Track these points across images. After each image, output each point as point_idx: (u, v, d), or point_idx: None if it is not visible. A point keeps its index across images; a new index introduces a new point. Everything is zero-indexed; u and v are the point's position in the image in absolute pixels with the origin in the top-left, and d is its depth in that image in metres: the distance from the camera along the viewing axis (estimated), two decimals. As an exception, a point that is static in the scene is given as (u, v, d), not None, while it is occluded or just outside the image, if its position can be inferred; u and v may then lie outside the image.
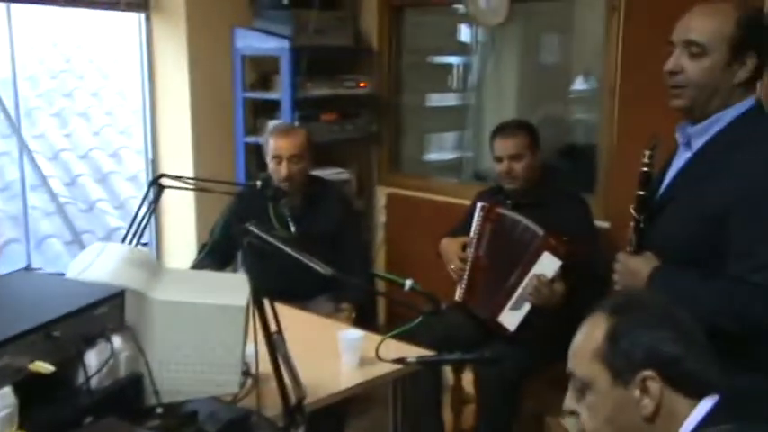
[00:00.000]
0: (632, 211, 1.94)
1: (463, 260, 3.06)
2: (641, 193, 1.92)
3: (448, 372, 3.23)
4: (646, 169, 1.91)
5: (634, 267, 1.91)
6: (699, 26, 1.80)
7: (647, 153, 1.91)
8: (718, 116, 1.83)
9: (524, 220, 2.89)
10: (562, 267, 2.74)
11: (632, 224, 1.94)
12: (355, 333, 2.34)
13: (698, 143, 1.88)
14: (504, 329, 2.89)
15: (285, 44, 3.73)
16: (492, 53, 4.13)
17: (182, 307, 1.70)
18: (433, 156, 4.69)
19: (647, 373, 1.25)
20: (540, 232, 2.82)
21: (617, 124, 3.32)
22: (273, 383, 1.73)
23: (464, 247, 3.08)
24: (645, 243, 1.93)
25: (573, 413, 1.35)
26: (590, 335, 1.32)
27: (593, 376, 1.30)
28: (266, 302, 1.71)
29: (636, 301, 1.37)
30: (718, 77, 1.80)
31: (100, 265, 1.71)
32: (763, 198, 1.71)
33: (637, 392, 1.26)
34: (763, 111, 1.86)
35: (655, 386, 1.25)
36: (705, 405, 1.26)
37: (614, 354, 1.28)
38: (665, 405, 1.25)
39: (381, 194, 4.33)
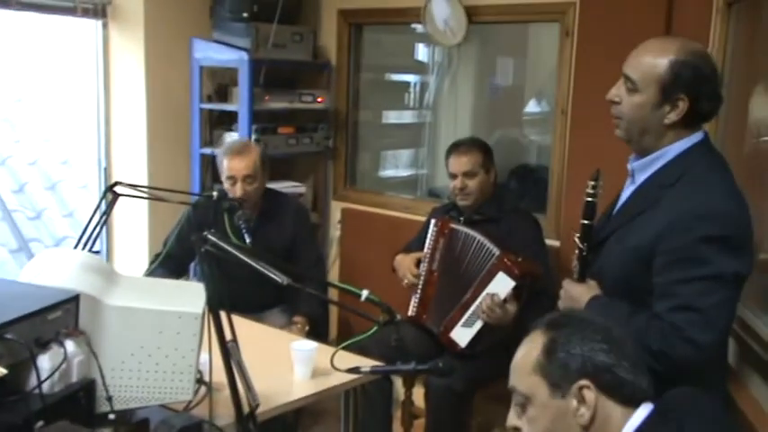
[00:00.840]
0: (576, 239, 1.96)
1: (416, 275, 3.10)
2: (585, 222, 1.95)
3: (399, 386, 3.25)
4: (590, 199, 1.93)
5: (575, 294, 1.95)
6: (635, 63, 1.83)
7: (591, 183, 1.93)
8: (660, 153, 1.85)
9: (479, 237, 2.94)
10: (516, 290, 2.78)
11: (576, 252, 1.98)
12: (308, 344, 2.35)
13: (641, 177, 1.91)
14: (456, 345, 2.93)
15: (244, 56, 3.74)
16: (449, 73, 4.20)
17: (136, 313, 1.70)
18: (388, 172, 4.73)
19: (583, 382, 1.32)
20: (497, 251, 2.86)
21: (568, 146, 3.41)
22: (227, 392, 1.73)
23: (418, 263, 3.13)
24: (589, 271, 1.97)
25: (516, 429, 1.40)
26: (528, 350, 1.39)
27: (533, 389, 1.36)
28: (222, 311, 1.71)
29: (571, 317, 1.44)
30: (647, 116, 1.82)
31: (55, 269, 1.70)
32: (686, 237, 1.72)
33: (574, 402, 1.32)
34: (709, 146, 1.87)
35: (590, 395, 1.31)
36: (641, 413, 1.32)
37: (551, 366, 1.35)
38: (601, 413, 1.32)
39: (336, 209, 4.35)
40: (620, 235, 1.90)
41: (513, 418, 1.41)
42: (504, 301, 2.77)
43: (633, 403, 1.33)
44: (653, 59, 1.80)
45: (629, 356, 1.35)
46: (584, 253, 1.95)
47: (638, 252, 1.81)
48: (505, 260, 2.81)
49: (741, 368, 2.27)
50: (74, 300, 1.59)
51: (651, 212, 1.82)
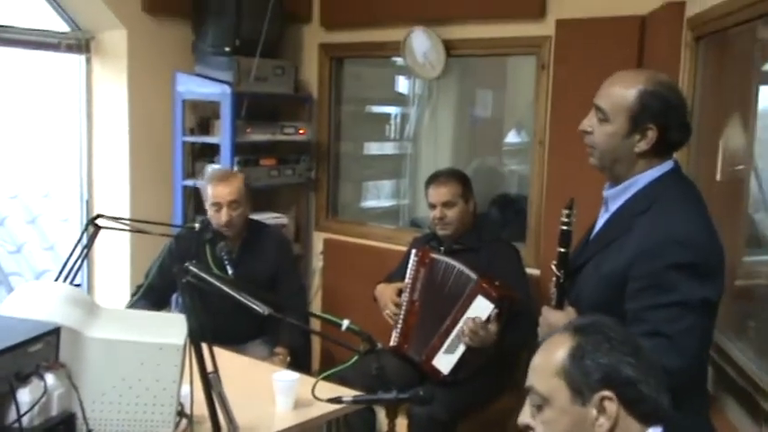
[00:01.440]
0: (553, 267, 1.99)
1: (398, 305, 3.12)
2: (561, 250, 1.97)
3: (382, 417, 3.25)
4: (565, 228, 1.95)
5: (553, 320, 1.95)
6: (606, 94, 1.87)
7: (565, 212, 1.96)
8: (632, 181, 1.89)
9: (458, 265, 2.98)
10: (496, 312, 2.81)
11: (554, 279, 2.00)
12: (290, 375, 2.35)
13: (614, 205, 1.94)
14: (438, 372, 2.94)
15: (226, 90, 3.78)
16: (429, 105, 4.27)
17: (117, 345, 1.70)
18: (370, 202, 4.77)
19: (606, 393, 1.31)
20: (474, 276, 2.90)
21: (546, 176, 3.47)
22: (208, 424, 1.73)
23: (399, 293, 3.15)
24: (567, 298, 1.99)
25: (528, 428, 1.39)
26: (553, 351, 1.37)
27: (553, 392, 1.34)
28: (203, 342, 1.72)
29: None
30: (618, 145, 1.85)
31: (35, 302, 1.70)
32: (656, 263, 1.75)
33: (594, 411, 1.31)
34: (680, 175, 1.91)
35: (612, 407, 1.30)
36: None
37: (576, 371, 1.33)
38: (619, 427, 1.31)
39: (319, 240, 4.37)
40: (596, 262, 1.92)
41: (526, 417, 1.39)
42: (487, 321, 2.80)
43: (650, 421, 1.32)
44: (622, 90, 1.84)
45: (654, 373, 1.34)
46: (562, 280, 1.97)
47: (612, 278, 1.84)
48: (483, 284, 2.85)
49: (718, 394, 2.30)
50: (54, 332, 1.59)
51: (624, 239, 1.85)
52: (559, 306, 1.98)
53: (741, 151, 2.51)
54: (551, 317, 1.97)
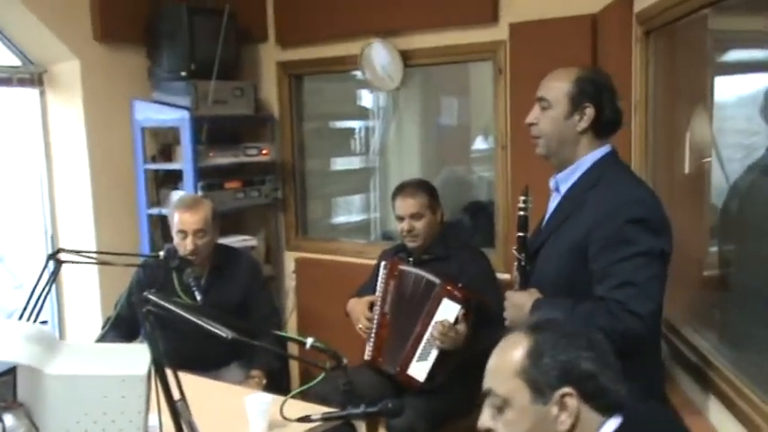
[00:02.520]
0: (514, 251, 2.17)
1: (370, 319, 3.10)
2: (520, 234, 2.15)
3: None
4: (522, 213, 2.15)
5: (518, 301, 2.10)
6: (547, 85, 2.12)
7: (522, 198, 2.16)
8: (578, 163, 2.09)
9: (424, 274, 2.98)
10: (463, 312, 2.83)
11: (515, 264, 2.17)
12: (263, 397, 2.32)
13: (564, 187, 2.13)
14: (415, 381, 2.93)
15: (185, 115, 3.75)
16: (394, 117, 4.27)
17: (78, 380, 1.66)
18: (340, 218, 4.75)
19: (566, 389, 1.30)
20: (437, 281, 2.92)
21: (510, 180, 3.47)
22: (179, 453, 1.69)
23: (371, 306, 3.13)
24: (529, 281, 2.13)
25: (490, 431, 1.37)
26: (510, 352, 1.36)
27: (513, 393, 1.33)
28: (168, 370, 1.69)
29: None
30: (561, 126, 2.08)
31: (-9, 342, 1.66)
32: (614, 222, 1.93)
33: (555, 409, 1.31)
34: (617, 157, 2.13)
35: (572, 403, 1.30)
36: (611, 424, 1.32)
37: (535, 371, 1.32)
38: (581, 421, 1.31)
39: (290, 259, 4.34)
40: (553, 240, 2.10)
41: (486, 420, 1.38)
42: (455, 322, 2.82)
43: (610, 412, 1.32)
44: (560, 80, 2.09)
45: (611, 365, 1.34)
46: (523, 263, 2.14)
47: (573, 249, 2.00)
48: (447, 287, 2.88)
49: (673, 369, 2.34)
50: (10, 372, 1.55)
51: (578, 213, 2.03)
52: (523, 288, 2.13)
53: (704, 143, 2.53)
54: (516, 298, 2.11)
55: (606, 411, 1.32)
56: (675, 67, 2.65)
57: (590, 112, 2.05)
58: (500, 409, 1.35)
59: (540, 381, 1.32)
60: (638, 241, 1.91)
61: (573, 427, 1.30)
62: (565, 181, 2.12)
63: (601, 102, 2.06)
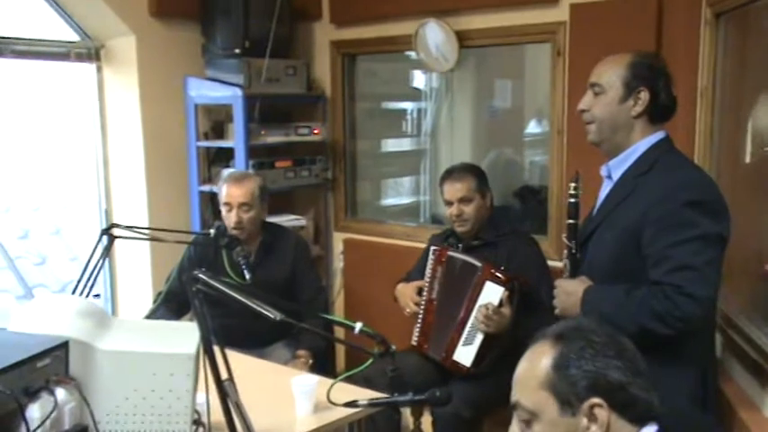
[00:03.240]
0: (564, 239, 2.15)
1: (417, 304, 3.07)
2: (571, 221, 2.13)
3: (408, 416, 3.21)
4: (573, 200, 2.13)
5: (569, 288, 2.07)
6: (600, 71, 2.09)
7: (572, 185, 2.15)
8: (632, 149, 2.06)
9: (466, 258, 2.94)
10: (506, 294, 2.79)
11: (565, 252, 2.15)
12: (309, 379, 2.31)
13: (617, 174, 2.09)
14: (461, 367, 2.89)
15: (238, 92, 3.75)
16: (446, 98, 4.21)
17: (129, 357, 1.68)
18: (389, 200, 4.72)
19: (595, 400, 1.26)
20: (479, 264, 2.88)
21: (566, 166, 3.39)
22: (226, 432, 1.69)
23: (419, 291, 3.10)
24: (579, 268, 2.10)
25: None
26: (535, 363, 1.32)
27: (540, 406, 1.29)
28: (217, 349, 1.68)
29: (579, 328, 1.36)
30: (615, 111, 2.05)
31: (44, 316, 1.68)
32: (670, 205, 1.90)
33: (585, 421, 1.26)
34: (671, 143, 2.09)
35: (602, 414, 1.25)
36: (649, 429, 1.27)
37: (562, 382, 1.28)
38: (612, 431, 1.26)
39: (338, 240, 4.33)
40: (605, 226, 2.07)
41: None
42: (500, 305, 2.78)
43: (643, 421, 1.28)
44: (613, 65, 2.06)
45: (642, 373, 1.29)
46: (574, 251, 2.12)
47: (627, 233, 1.97)
48: (490, 270, 2.84)
49: (729, 362, 2.28)
50: (63, 346, 1.57)
51: (632, 198, 2.00)
52: (573, 275, 2.11)
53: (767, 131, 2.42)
54: (567, 286, 2.10)
55: (639, 421, 1.28)
56: (745, 53, 2.53)
57: (645, 96, 2.02)
58: (528, 422, 1.31)
59: (567, 392, 1.27)
60: (696, 224, 1.87)
61: None
62: (617, 168, 2.09)
63: (656, 86, 2.02)
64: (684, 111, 2.13)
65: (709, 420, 1.81)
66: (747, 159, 2.60)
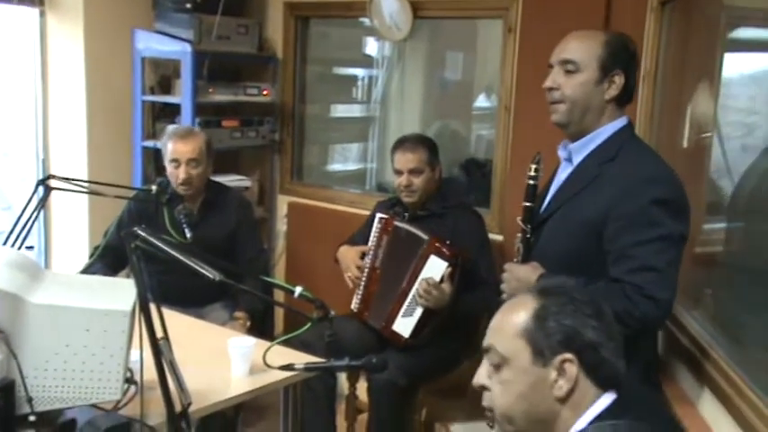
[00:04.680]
0: (519, 222, 2.05)
1: (360, 269, 3.09)
2: (528, 204, 2.04)
3: (343, 381, 3.25)
4: (531, 182, 2.03)
5: (521, 275, 1.98)
6: (573, 47, 1.96)
7: (533, 167, 2.04)
8: (596, 133, 1.97)
9: (412, 229, 2.96)
10: (449, 270, 2.81)
11: (519, 235, 2.05)
12: (246, 340, 2.32)
13: (579, 157, 2.00)
14: (400, 337, 2.93)
15: (187, 48, 3.68)
16: (397, 67, 4.20)
17: (61, 311, 1.65)
18: (336, 166, 4.71)
19: (567, 355, 1.29)
20: (425, 237, 2.89)
21: (511, 141, 3.43)
22: (159, 391, 1.69)
23: (362, 256, 3.12)
24: (531, 253, 2.03)
25: (483, 388, 1.37)
26: (516, 312, 1.35)
27: (514, 353, 1.32)
28: (153, 307, 1.67)
29: (564, 286, 1.40)
30: (589, 93, 1.94)
31: (-27, 266, 1.64)
32: (637, 201, 1.83)
33: (554, 374, 1.30)
34: (633, 129, 2.02)
35: (572, 370, 1.29)
36: (606, 399, 1.31)
37: (538, 333, 1.31)
38: (578, 389, 1.30)
39: (283, 203, 4.31)
40: (564, 212, 1.98)
41: (483, 377, 1.37)
42: (441, 281, 2.80)
43: (606, 386, 1.31)
44: (589, 42, 1.95)
45: (615, 339, 1.32)
46: (528, 235, 2.03)
47: (589, 226, 1.89)
48: (436, 243, 2.85)
49: (670, 361, 2.33)
50: (-8, 298, 1.54)
51: (594, 187, 1.92)
52: (526, 260, 2.03)
53: (707, 118, 2.49)
54: (519, 271, 2.00)
55: (603, 385, 1.31)
56: (687, 41, 2.59)
57: (619, 80, 1.93)
58: (498, 366, 1.34)
59: (542, 343, 1.30)
60: (660, 223, 1.81)
61: (568, 394, 1.29)
62: (580, 151, 2.00)
63: (630, 69, 1.95)
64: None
65: (660, 396, 1.87)
66: (685, 145, 2.67)
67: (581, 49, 1.94)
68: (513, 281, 2.00)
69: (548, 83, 1.98)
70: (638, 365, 1.89)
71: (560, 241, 1.97)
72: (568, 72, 1.94)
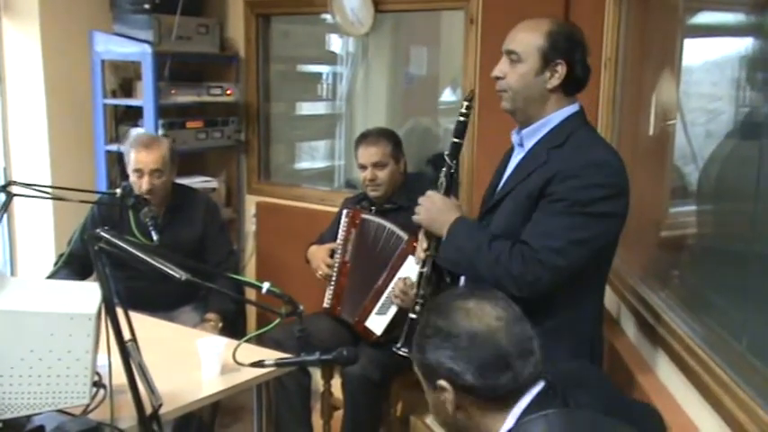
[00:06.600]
0: (446, 156, 2.11)
1: (330, 266, 3.08)
2: (456, 140, 2.11)
3: (318, 378, 3.24)
4: (462, 119, 2.10)
5: (443, 206, 2.07)
6: (517, 38, 2.01)
7: (465, 104, 2.09)
8: (545, 120, 2.02)
9: (389, 225, 2.95)
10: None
11: (444, 169, 2.12)
12: (216, 340, 2.30)
13: (530, 143, 2.06)
14: (371, 334, 2.93)
15: (147, 49, 3.63)
16: (362, 63, 4.19)
17: (24, 317, 1.62)
18: (304, 164, 4.69)
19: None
20: (405, 236, 2.88)
21: (476, 133, 3.44)
22: (129, 394, 1.67)
23: (332, 254, 3.11)
24: (454, 192, 2.13)
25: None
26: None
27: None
28: (119, 310, 1.65)
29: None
30: (531, 83, 1.99)
31: (-68, 274, 1.61)
32: (570, 182, 1.89)
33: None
34: (584, 116, 2.07)
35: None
36: (534, 390, 1.33)
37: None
38: (493, 401, 1.34)
39: (251, 203, 4.28)
40: (514, 195, 2.03)
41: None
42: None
43: (529, 383, 1.33)
44: (532, 33, 1.99)
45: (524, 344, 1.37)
46: (452, 171, 2.11)
47: (529, 201, 1.95)
48: (414, 244, 2.82)
49: (640, 343, 2.36)
50: (-48, 305, 1.51)
51: (542, 171, 1.96)
52: (447, 194, 2.10)
53: (670, 105, 2.53)
54: (441, 201, 2.08)
55: (525, 383, 1.34)
56: (647, 27, 2.62)
57: (561, 69, 1.96)
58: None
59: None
60: (585, 203, 1.87)
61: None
62: (530, 137, 2.05)
63: (573, 58, 1.97)
64: (590, 81, 2.13)
65: (595, 369, 1.89)
66: (651, 132, 2.70)
67: (523, 39, 1.99)
68: (433, 208, 2.08)
69: (495, 72, 2.04)
70: (570, 343, 1.95)
71: (508, 219, 2.02)
72: (512, 62, 2.00)
